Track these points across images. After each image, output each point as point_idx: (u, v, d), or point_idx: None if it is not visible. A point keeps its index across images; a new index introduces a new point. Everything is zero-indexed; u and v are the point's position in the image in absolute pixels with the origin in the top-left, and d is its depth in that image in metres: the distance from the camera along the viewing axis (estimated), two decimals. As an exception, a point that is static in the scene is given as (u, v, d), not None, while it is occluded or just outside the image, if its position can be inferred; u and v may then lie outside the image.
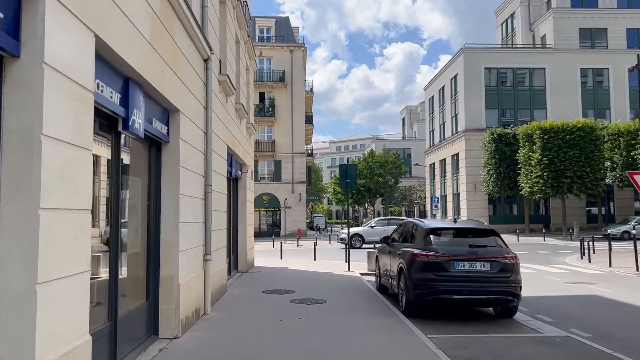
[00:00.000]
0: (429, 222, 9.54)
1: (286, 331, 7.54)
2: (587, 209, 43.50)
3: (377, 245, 12.45)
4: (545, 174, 34.13)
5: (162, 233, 6.96)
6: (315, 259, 20.98)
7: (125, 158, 6.28)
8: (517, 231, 35.03)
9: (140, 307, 6.60)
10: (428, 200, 56.62)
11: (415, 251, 8.85)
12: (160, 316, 6.91)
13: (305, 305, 9.66)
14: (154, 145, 6.95)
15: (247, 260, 15.73)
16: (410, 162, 73.37)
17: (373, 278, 14.55)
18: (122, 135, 5.66)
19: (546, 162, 34.10)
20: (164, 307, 6.91)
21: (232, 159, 13.36)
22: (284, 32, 45.03)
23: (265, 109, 43.58)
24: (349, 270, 15.92)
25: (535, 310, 9.72)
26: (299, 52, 43.98)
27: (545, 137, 34.53)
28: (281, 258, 21.54)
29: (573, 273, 15.91)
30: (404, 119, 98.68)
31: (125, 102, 5.31)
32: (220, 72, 10.64)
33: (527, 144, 36.07)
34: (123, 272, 6.18)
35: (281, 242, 24.04)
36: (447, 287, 8.39)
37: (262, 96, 43.96)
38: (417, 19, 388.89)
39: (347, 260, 16.43)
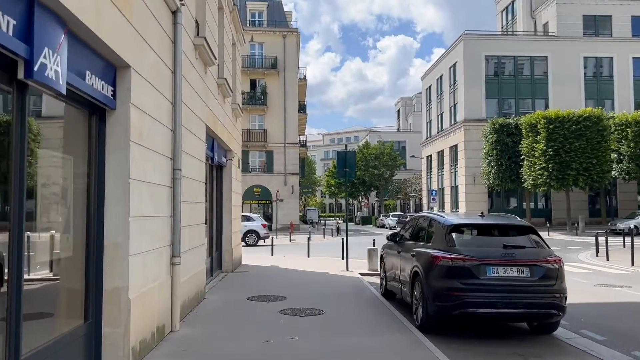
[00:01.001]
0: (450, 217, 7.80)
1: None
2: (589, 202, 42.04)
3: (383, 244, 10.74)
4: (550, 165, 32.54)
5: (106, 231, 5.18)
6: (309, 256, 19.29)
7: (49, 126, 4.50)
8: (520, 225, 33.38)
9: (75, 332, 4.83)
10: (424, 193, 55.02)
11: (436, 253, 7.11)
12: (103, 342, 5.13)
13: (299, 317, 7.92)
14: (95, 112, 5.14)
15: (233, 259, 13.97)
16: (405, 154, 71.69)
17: (375, 279, 12.85)
18: (30, 88, 3.86)
19: (551, 153, 32.50)
20: (108, 331, 5.14)
21: (215, 143, 11.57)
22: (277, 16, 43.03)
23: (256, 96, 41.66)
24: (347, 269, 14.21)
25: (577, 323, 8.04)
26: (292, 37, 42.03)
27: (550, 127, 32.90)
28: (272, 254, 19.82)
29: (596, 273, 14.30)
30: (398, 111, 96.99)
31: (27, 35, 3.51)
32: (197, 35, 8.82)
33: (530, 134, 34.44)
34: (51, 283, 4.45)
35: (272, 238, 22.30)
36: (477, 298, 6.67)
37: (253, 83, 42.03)
38: (410, 12, 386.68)
39: (346, 258, 14.68)
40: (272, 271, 14.16)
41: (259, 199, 41.64)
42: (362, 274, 13.47)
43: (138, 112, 5.51)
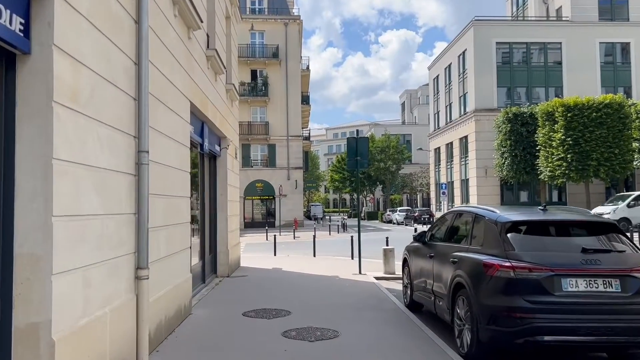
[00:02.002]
0: (503, 211, 5.99)
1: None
2: (604, 194, 40.12)
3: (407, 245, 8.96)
4: (569, 156, 30.64)
5: (17, 238, 3.43)
6: (315, 255, 17.57)
7: None
8: (537, 220, 31.52)
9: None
10: (432, 187, 53.19)
11: (489, 260, 5.34)
12: (13, 407, 3.39)
13: (307, 342, 6.16)
14: (-2, 58, 3.39)
15: (230, 261, 12.23)
16: (411, 148, 69.76)
17: (393, 285, 11.12)
18: None
19: (570, 142, 30.59)
20: (20, 390, 3.40)
21: (205, 128, 9.81)
22: (278, 3, 41.11)
23: (257, 87, 39.83)
24: (360, 272, 12.44)
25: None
26: (294, 25, 40.12)
27: (568, 115, 30.96)
28: (274, 254, 18.13)
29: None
30: (403, 104, 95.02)
31: None
32: (174, -13, 7.05)
33: (547, 123, 32.51)
34: None
35: (275, 236, 20.60)
36: (551, 322, 4.91)
37: (254, 74, 40.21)
38: (411, 5, 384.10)
39: (358, 260, 12.88)
40: (275, 275, 12.42)
41: (261, 194, 39.89)
42: (377, 278, 11.72)
43: (69, 62, 3.73)
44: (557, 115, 31.68)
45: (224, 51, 11.63)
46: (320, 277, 11.90)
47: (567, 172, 30.97)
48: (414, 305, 8.20)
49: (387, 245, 15.36)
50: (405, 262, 8.75)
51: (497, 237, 5.52)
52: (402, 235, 27.26)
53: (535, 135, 33.96)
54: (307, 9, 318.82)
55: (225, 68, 10.93)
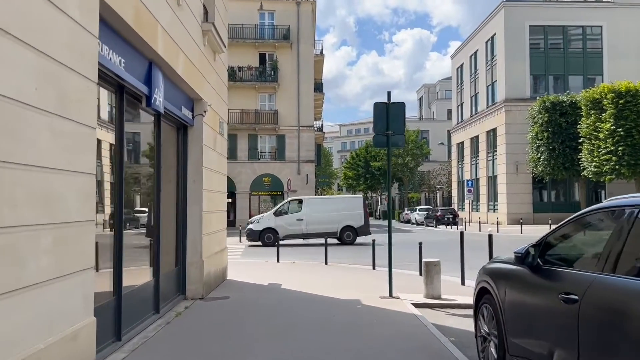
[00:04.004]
0: None
1: None
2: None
3: (489, 266, 5.15)
4: (619, 149, 26.61)
5: None
6: (326, 262, 14.00)
7: None
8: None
9: None
10: (454, 185, 49.23)
11: None
12: None
13: None
14: None
15: (206, 277, 8.63)
16: (429, 144, 65.75)
17: (442, 317, 7.48)
18: None
19: (621, 133, 26.55)
20: None
21: (155, 71, 6.22)
22: (289, -20, 37.47)
23: (266, 72, 36.19)
24: (390, 295, 8.73)
25: None
26: (307, 4, 36.42)
27: (620, 102, 26.91)
28: (278, 260, 14.61)
29: None
30: (420, 99, 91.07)
31: None
32: None
33: (592, 112, 28.49)
34: None
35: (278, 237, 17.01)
36: None
37: (262, 58, 36.59)
38: (426, 4, 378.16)
39: (389, 278, 9.10)
40: (270, 297, 8.78)
41: (269, 189, 36.31)
42: (416, 306, 8.00)
43: None
44: (605, 103, 27.66)
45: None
46: (334, 303, 8.24)
47: (617, 167, 26.95)
48: (502, 374, 4.52)
49: (420, 253, 11.76)
50: (482, 295, 5.01)
51: None
52: (428, 238, 23.55)
53: (577, 126, 30.02)
54: (322, 7, 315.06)
55: (195, -10, 7.32)
